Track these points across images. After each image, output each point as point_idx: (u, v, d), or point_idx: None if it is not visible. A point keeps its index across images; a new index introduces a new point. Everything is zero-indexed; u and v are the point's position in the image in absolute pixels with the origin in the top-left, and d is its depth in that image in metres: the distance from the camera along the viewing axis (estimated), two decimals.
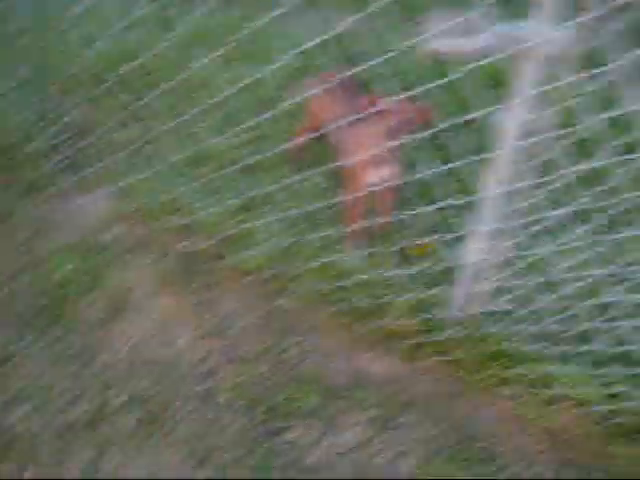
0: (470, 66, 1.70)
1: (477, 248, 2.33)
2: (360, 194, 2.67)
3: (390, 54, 1.83)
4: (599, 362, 2.43)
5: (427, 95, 1.88)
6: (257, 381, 2.43)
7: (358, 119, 2.49)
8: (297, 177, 2.54)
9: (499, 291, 2.50)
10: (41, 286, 2.68)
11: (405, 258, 2.82)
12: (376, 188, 2.56)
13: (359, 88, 3.07)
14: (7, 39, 3.56)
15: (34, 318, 2.58)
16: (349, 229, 2.57)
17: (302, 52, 2.91)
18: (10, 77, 3.29)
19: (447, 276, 2.65)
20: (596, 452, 2.36)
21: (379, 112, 2.49)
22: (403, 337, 2.58)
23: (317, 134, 2.85)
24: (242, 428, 2.30)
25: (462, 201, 2.18)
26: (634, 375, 2.33)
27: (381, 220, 2.70)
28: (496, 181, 2.12)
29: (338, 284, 2.64)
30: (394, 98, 2.38)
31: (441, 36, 1.69)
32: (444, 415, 2.42)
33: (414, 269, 2.49)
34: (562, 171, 1.96)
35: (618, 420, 2.34)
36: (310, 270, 2.68)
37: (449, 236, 2.36)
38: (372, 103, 2.54)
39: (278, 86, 3.82)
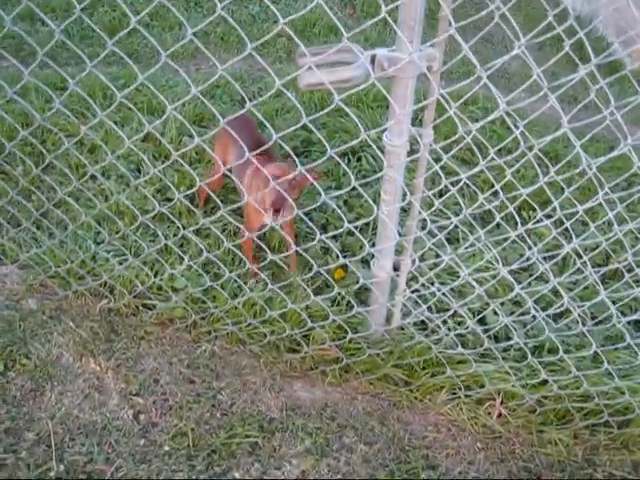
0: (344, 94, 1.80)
1: (384, 264, 2.43)
2: (254, 234, 2.77)
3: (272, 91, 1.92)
4: (520, 355, 2.57)
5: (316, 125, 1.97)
6: (195, 427, 2.45)
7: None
8: (205, 220, 2.59)
9: (416, 302, 2.60)
10: None
11: (326, 285, 2.91)
12: (266, 229, 2.68)
13: (256, 132, 3.18)
14: None
15: None
16: (250, 265, 2.64)
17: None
18: None
19: (365, 296, 2.75)
20: (530, 441, 2.48)
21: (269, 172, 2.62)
22: (329, 362, 2.66)
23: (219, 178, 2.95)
24: (188, 475, 2.31)
25: (360, 222, 2.29)
26: (549, 363, 2.46)
27: (285, 253, 2.83)
28: (388, 198, 2.23)
29: (259, 320, 2.70)
30: (281, 164, 2.68)
31: (318, 69, 1.78)
32: (381, 431, 2.51)
33: (329, 294, 2.56)
34: (451, 179, 2.08)
35: (547, 407, 2.47)
36: (231, 310, 2.73)
37: (355, 258, 2.46)
38: (263, 164, 2.65)
39: (180, 133, 3.90)
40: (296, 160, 2.06)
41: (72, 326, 2.80)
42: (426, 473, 2.36)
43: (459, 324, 2.70)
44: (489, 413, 2.52)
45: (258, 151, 2.23)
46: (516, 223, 2.22)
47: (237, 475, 2.33)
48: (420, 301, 2.53)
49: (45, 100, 4.03)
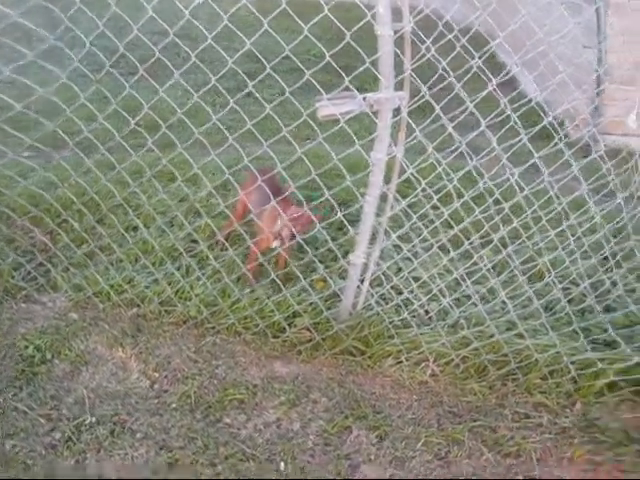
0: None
1: (361, 249, 3.41)
2: (261, 250, 3.90)
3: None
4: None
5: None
6: (196, 391, 3.35)
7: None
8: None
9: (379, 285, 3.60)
10: (18, 358, 3.53)
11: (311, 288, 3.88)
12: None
13: (276, 182, 4.26)
14: None
15: (14, 380, 3.39)
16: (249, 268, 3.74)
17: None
18: None
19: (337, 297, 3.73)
20: (455, 392, 3.36)
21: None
22: (304, 343, 3.61)
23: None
24: (190, 422, 3.19)
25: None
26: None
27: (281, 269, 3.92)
28: (370, 199, 3.22)
29: (256, 309, 3.69)
30: (298, 209, 3.70)
31: (329, 105, 2.86)
32: (339, 391, 3.40)
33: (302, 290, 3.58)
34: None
35: (469, 363, 3.36)
36: (232, 309, 3.74)
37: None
38: (285, 209, 3.76)
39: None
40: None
41: (106, 327, 3.77)
42: (373, 416, 3.24)
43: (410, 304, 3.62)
44: (425, 372, 3.41)
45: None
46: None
47: (228, 421, 3.22)
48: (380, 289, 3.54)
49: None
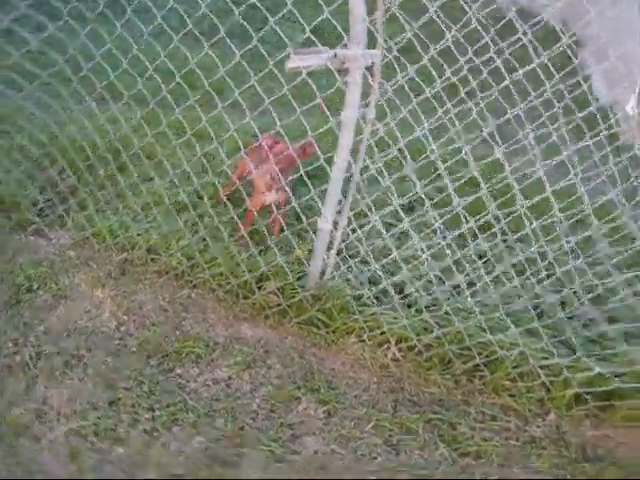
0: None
1: (328, 216, 3.27)
2: (257, 208, 3.83)
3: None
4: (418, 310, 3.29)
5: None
6: (158, 339, 3.30)
7: (263, 161, 3.64)
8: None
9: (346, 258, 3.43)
10: (10, 284, 3.63)
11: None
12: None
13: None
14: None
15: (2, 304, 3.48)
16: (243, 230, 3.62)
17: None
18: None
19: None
20: (417, 381, 3.15)
21: (276, 153, 3.59)
22: (272, 308, 3.51)
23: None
24: (142, 367, 3.15)
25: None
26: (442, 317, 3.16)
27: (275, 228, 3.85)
28: (339, 162, 3.08)
29: (224, 271, 3.62)
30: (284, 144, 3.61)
31: (298, 59, 2.74)
32: (298, 361, 3.27)
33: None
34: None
35: (432, 352, 3.14)
36: (211, 266, 3.66)
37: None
38: (272, 146, 3.66)
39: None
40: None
41: (95, 268, 3.79)
42: (325, 391, 3.10)
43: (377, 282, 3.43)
44: (386, 355, 3.21)
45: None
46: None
47: (179, 371, 3.15)
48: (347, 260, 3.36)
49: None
